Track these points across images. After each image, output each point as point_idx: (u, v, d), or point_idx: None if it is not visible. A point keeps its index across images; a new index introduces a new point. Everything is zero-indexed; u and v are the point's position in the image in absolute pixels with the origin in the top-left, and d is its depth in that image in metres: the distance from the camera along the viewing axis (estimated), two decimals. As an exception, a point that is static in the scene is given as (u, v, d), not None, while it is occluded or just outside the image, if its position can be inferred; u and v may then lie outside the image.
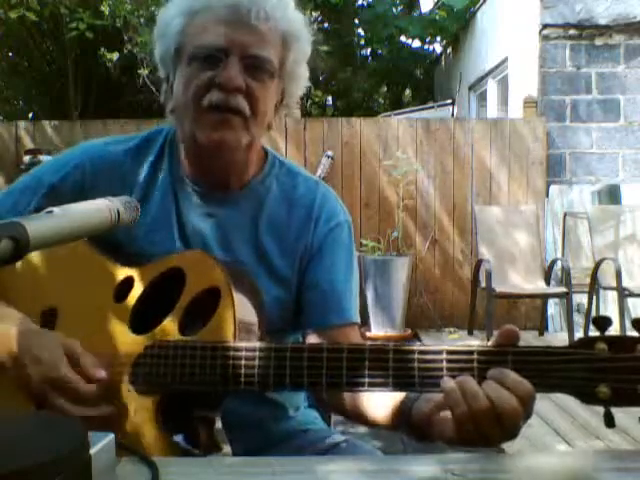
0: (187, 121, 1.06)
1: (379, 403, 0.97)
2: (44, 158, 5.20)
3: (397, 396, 0.92)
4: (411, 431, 0.90)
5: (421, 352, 0.81)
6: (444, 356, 0.80)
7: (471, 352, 0.80)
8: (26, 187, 1.12)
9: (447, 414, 0.81)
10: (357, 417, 1.04)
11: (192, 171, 1.12)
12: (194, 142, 1.07)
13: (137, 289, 0.98)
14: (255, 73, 1.04)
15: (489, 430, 0.76)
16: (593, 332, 0.77)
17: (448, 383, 0.78)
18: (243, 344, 0.87)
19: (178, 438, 0.90)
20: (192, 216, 1.11)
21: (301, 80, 1.14)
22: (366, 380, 0.82)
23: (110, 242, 1.04)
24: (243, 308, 0.92)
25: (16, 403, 0.93)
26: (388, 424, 0.96)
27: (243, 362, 0.85)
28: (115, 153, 1.13)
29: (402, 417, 0.91)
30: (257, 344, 0.88)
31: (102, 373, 0.90)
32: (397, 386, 0.82)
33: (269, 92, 1.07)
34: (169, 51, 1.08)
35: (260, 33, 1.03)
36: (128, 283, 0.99)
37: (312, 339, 1.10)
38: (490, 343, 0.81)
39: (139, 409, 0.90)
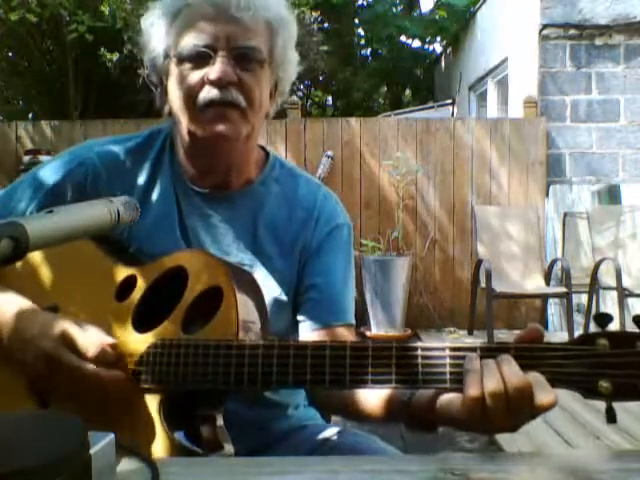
0: (185, 120, 1.07)
1: (376, 394, 0.96)
2: (44, 158, 5.20)
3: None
4: (411, 419, 0.90)
5: (424, 349, 0.81)
6: (447, 352, 0.81)
7: (474, 349, 0.81)
8: (27, 186, 1.12)
9: (452, 396, 0.82)
10: (354, 412, 1.03)
11: (192, 171, 1.13)
12: (194, 139, 1.08)
13: (139, 288, 0.98)
14: (245, 64, 1.04)
15: (496, 413, 0.76)
16: (593, 332, 0.78)
17: (472, 362, 0.79)
18: (246, 342, 0.87)
19: (180, 436, 0.90)
20: (192, 216, 1.11)
21: (292, 65, 1.14)
22: (369, 377, 0.82)
23: (112, 241, 1.05)
24: (245, 308, 0.92)
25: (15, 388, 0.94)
26: (387, 415, 0.96)
27: (246, 360, 0.86)
28: (116, 153, 1.14)
29: (402, 405, 0.90)
30: (260, 342, 0.88)
31: (109, 340, 0.91)
32: (400, 383, 0.82)
33: (261, 81, 1.07)
34: (158, 55, 1.08)
35: (244, 24, 1.03)
36: (130, 282, 0.99)
37: (308, 338, 1.09)
38: (514, 339, 0.81)
39: (143, 407, 0.90)
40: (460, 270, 5.71)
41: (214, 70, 1.02)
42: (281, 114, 5.90)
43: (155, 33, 1.08)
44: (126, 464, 0.74)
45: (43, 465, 0.57)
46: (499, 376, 0.76)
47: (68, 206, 0.79)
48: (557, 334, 5.38)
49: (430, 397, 0.86)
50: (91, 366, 0.89)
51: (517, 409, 0.76)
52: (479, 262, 5.02)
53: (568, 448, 2.83)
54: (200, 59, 1.03)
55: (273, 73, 1.11)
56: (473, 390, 0.77)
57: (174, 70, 1.06)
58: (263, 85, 1.07)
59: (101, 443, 0.64)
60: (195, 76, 1.03)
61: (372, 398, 0.98)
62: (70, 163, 1.12)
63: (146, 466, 0.74)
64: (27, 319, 0.95)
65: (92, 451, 0.63)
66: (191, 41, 1.03)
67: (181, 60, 1.04)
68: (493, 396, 0.76)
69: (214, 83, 1.02)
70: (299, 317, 1.12)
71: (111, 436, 0.66)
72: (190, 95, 1.04)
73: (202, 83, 1.03)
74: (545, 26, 5.78)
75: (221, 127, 1.03)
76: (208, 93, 1.03)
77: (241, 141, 1.07)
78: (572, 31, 5.77)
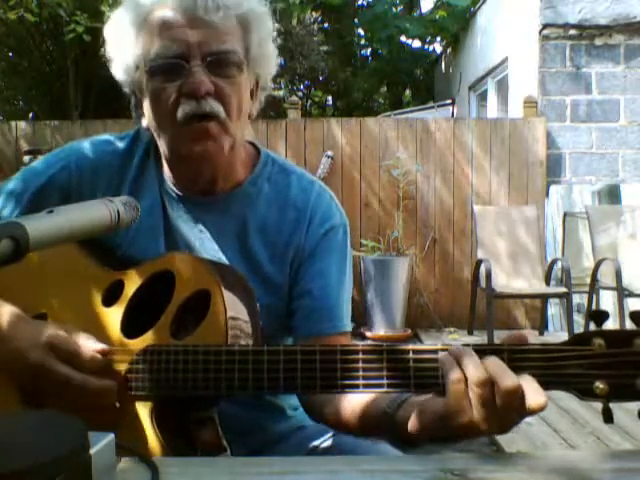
0: (165, 136, 1.03)
1: (361, 405, 0.94)
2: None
3: (381, 401, 0.89)
4: (395, 433, 0.87)
5: (416, 351, 0.80)
6: (440, 355, 0.79)
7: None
8: (12, 192, 1.09)
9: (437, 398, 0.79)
10: (336, 422, 1.00)
11: (176, 179, 1.10)
12: (176, 155, 1.04)
13: (127, 293, 0.97)
14: (222, 70, 0.99)
15: (482, 412, 0.74)
16: (589, 330, 0.77)
17: (445, 356, 0.78)
18: (235, 348, 0.86)
19: (178, 442, 0.90)
20: (179, 222, 1.09)
21: (271, 59, 1.09)
22: (360, 382, 0.81)
23: (98, 247, 1.03)
24: (235, 310, 0.91)
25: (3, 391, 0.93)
26: (370, 427, 0.93)
27: (236, 366, 0.85)
28: (102, 154, 1.11)
29: (387, 417, 0.87)
30: (250, 347, 0.87)
31: (99, 347, 0.90)
32: (392, 387, 0.81)
33: (241, 86, 1.02)
34: (128, 67, 1.03)
35: (215, 26, 0.97)
36: (117, 287, 0.97)
37: None
38: (502, 340, 0.80)
39: (135, 414, 0.90)
40: (460, 270, 5.71)
41: (189, 81, 0.96)
42: (281, 114, 5.91)
43: (122, 44, 1.02)
44: (126, 464, 0.74)
45: (43, 465, 0.57)
46: (478, 361, 0.75)
47: (68, 206, 0.79)
48: (557, 334, 5.38)
49: (417, 406, 0.83)
50: (80, 375, 0.88)
51: (506, 410, 0.74)
52: (479, 262, 5.02)
53: (568, 448, 2.83)
54: (173, 71, 0.97)
55: (252, 72, 1.06)
56: (453, 374, 0.75)
57: (148, 84, 1.00)
58: (242, 90, 1.02)
59: (101, 443, 0.64)
60: (169, 90, 0.98)
61: (357, 408, 0.95)
62: (54, 166, 1.09)
63: (146, 466, 0.74)
64: (14, 327, 0.92)
65: (92, 451, 0.63)
66: (161, 52, 0.97)
67: (153, 73, 0.99)
68: (477, 382, 0.73)
69: (190, 95, 0.97)
70: (293, 324, 1.09)
71: (111, 436, 0.67)
72: (167, 112, 0.99)
73: (178, 97, 0.98)
74: (545, 26, 5.77)
75: (204, 145, 0.99)
76: (186, 107, 0.97)
77: (225, 153, 1.03)
78: (572, 31, 5.76)
